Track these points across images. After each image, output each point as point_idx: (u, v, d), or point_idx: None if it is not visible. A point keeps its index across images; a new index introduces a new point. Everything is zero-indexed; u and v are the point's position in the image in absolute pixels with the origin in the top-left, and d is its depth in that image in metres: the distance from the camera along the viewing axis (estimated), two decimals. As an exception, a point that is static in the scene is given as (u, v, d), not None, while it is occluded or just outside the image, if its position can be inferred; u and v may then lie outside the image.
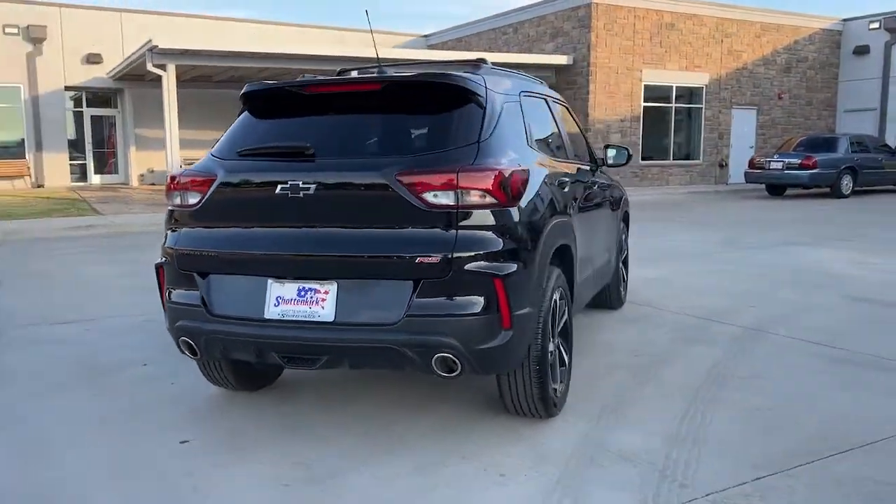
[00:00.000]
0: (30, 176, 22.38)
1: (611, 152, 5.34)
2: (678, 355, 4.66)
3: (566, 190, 3.95)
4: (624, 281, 6.17)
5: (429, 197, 2.99)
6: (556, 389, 3.53)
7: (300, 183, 3.09)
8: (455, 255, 2.97)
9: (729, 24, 22.66)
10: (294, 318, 3.10)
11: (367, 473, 3.02)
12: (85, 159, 23.91)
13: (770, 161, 18.53)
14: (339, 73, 4.26)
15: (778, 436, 3.35)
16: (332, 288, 3.09)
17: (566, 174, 4.11)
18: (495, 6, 54.86)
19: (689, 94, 22.61)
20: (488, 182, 3.03)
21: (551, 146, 4.21)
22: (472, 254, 2.99)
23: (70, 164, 23.24)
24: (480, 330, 3.01)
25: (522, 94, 3.94)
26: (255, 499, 2.82)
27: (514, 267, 3.07)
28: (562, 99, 5.00)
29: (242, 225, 3.28)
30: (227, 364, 3.74)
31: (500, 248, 3.05)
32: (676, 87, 22.18)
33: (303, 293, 3.12)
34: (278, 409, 3.78)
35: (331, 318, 3.06)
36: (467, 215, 3.02)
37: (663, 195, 19.19)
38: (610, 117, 20.99)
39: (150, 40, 15.72)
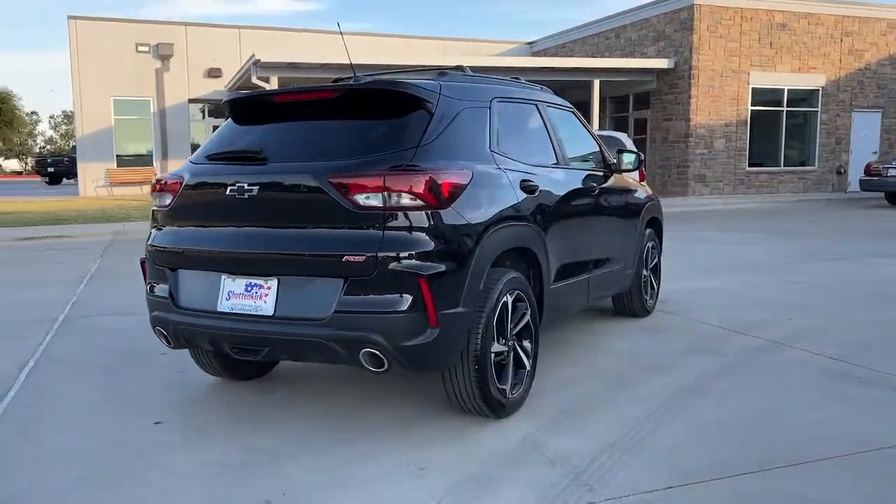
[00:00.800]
0: (156, 182, 24.27)
1: (625, 157, 5.27)
2: (675, 366, 4.54)
3: (541, 194, 3.98)
4: (653, 289, 6.04)
5: (358, 199, 3.14)
6: (504, 390, 3.57)
7: (245, 185, 3.32)
8: (381, 254, 3.10)
9: (850, 21, 21.28)
10: (241, 312, 3.34)
11: (302, 462, 3.20)
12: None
13: (889, 168, 17.23)
14: (335, 82, 4.48)
15: (722, 449, 3.25)
16: (273, 284, 3.30)
17: (546, 179, 4.13)
18: (615, 7, 53.95)
19: (802, 97, 21.38)
20: (416, 185, 3.15)
21: (532, 151, 4.24)
22: (398, 254, 3.11)
23: (192, 172, 24.97)
24: (405, 327, 3.12)
25: (496, 100, 4.00)
26: (185, 480, 3.06)
27: (441, 267, 3.16)
28: (563, 104, 5.01)
29: (202, 224, 3.56)
30: (215, 355, 4.03)
31: (427, 248, 3.15)
32: (788, 89, 21.04)
33: (249, 288, 3.35)
34: (257, 399, 4.04)
35: (270, 313, 3.27)
36: (395, 217, 3.14)
37: (767, 203, 18.28)
38: (713, 122, 20.21)
39: (253, 55, 16.73)
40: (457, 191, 3.29)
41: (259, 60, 16.68)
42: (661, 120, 21.15)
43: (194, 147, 25.05)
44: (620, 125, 23.38)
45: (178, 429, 3.63)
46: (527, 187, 3.88)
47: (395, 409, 3.82)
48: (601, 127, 22.16)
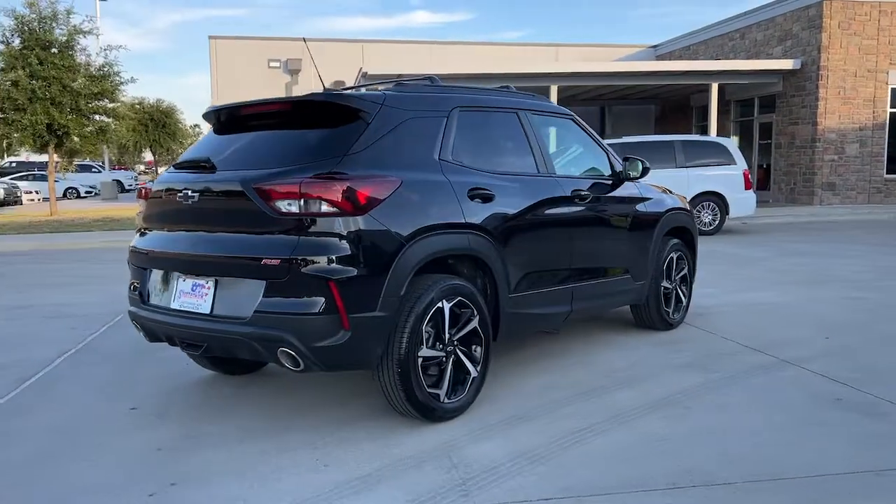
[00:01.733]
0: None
1: (630, 166, 5.13)
2: (654, 380, 4.38)
3: (499, 202, 3.99)
4: (679, 302, 5.80)
5: (278, 205, 3.32)
6: (436, 395, 3.62)
7: (190, 192, 3.60)
8: (295, 258, 3.26)
9: None
10: (187, 310, 3.61)
11: (228, 450, 3.42)
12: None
13: None
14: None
15: (639, 465, 3.14)
16: (211, 284, 3.55)
17: (512, 187, 4.13)
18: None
19: (953, 96, 19.35)
20: (332, 192, 3.29)
21: (500, 159, 4.26)
22: (311, 258, 3.26)
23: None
24: (318, 329, 3.27)
25: (458, 109, 4.06)
26: (119, 459, 3.36)
27: (353, 272, 3.28)
28: (559, 112, 4.96)
29: (162, 227, 3.88)
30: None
31: (340, 253, 3.28)
32: (936, 89, 19.11)
33: (194, 288, 3.62)
34: (232, 391, 4.33)
35: (207, 311, 3.53)
36: (312, 223, 3.30)
37: (902, 214, 16.67)
38: (845, 125, 18.75)
39: (360, 68, 17.43)
40: (375, 199, 3.39)
41: (367, 73, 17.37)
42: (787, 124, 19.86)
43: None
44: (745, 130, 22.20)
45: (146, 414, 3.97)
46: (479, 195, 3.91)
47: (344, 408, 3.97)
48: (723, 132, 21.13)
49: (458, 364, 3.77)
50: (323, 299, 3.27)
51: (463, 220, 3.78)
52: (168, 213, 3.85)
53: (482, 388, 3.95)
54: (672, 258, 5.68)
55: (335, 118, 3.65)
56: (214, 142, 4.02)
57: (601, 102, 26.21)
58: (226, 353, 3.64)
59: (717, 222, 13.40)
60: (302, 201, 3.29)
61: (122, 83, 19.24)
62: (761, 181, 20.94)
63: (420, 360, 3.54)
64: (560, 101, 23.86)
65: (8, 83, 17.69)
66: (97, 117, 19.63)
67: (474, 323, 3.83)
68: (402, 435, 3.55)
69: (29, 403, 4.20)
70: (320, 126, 3.66)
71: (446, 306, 3.66)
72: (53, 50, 18.34)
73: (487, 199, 3.96)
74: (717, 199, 13.31)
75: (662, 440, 3.42)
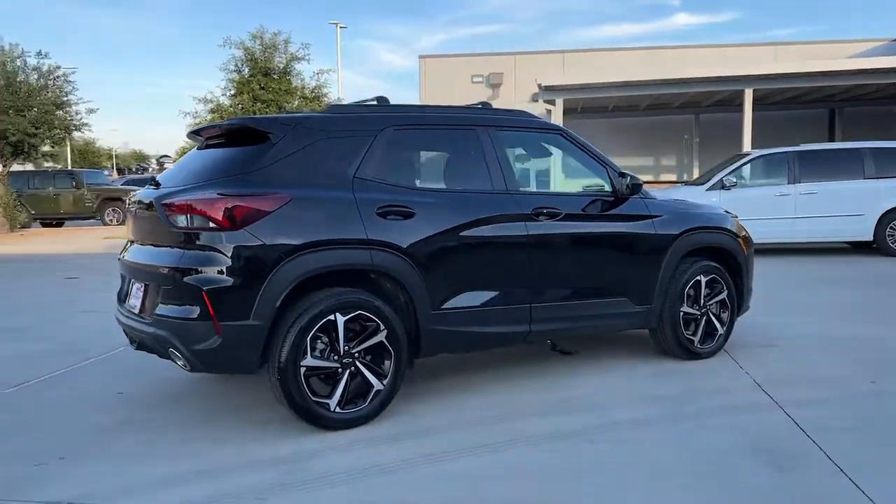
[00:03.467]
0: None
1: (623, 181, 4.82)
2: (600, 410, 4.08)
3: (421, 220, 4.02)
4: (715, 330, 5.25)
5: (175, 220, 3.69)
6: (325, 405, 3.75)
7: (136, 207, 4.13)
8: (179, 267, 3.63)
9: None
10: (131, 310, 4.14)
11: (137, 437, 3.86)
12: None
13: None
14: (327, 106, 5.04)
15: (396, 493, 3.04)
16: (143, 288, 4.03)
17: (443, 205, 4.15)
18: None
19: None
20: (212, 209, 3.60)
21: (440, 177, 4.30)
22: (192, 268, 3.61)
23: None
24: (194, 333, 3.60)
25: (392, 128, 4.16)
26: (61, 435, 3.95)
27: (226, 282, 3.57)
28: (539, 126, 4.81)
29: (130, 237, 4.43)
30: None
31: (214, 265, 3.58)
32: None
33: (137, 291, 4.13)
34: (208, 389, 4.79)
35: (137, 311, 4.02)
36: (197, 236, 3.64)
37: None
38: None
39: (536, 79, 17.53)
40: (254, 215, 3.64)
41: (542, 85, 17.43)
42: None
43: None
44: None
45: (116, 397, 4.56)
46: (395, 212, 3.97)
47: (255, 412, 4.19)
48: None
49: (359, 376, 3.87)
50: (199, 307, 3.59)
51: (364, 237, 3.87)
52: (130, 225, 4.42)
53: (401, 404, 3.99)
54: (700, 281, 5.17)
55: (250, 140, 3.96)
56: (185, 160, 4.52)
57: (830, 104, 23.59)
58: (148, 350, 4.09)
59: (910, 245, 11.50)
60: (189, 216, 3.65)
61: (331, 104, 21.17)
62: None
63: (303, 369, 3.71)
64: (775, 105, 21.87)
65: (239, 106, 20.38)
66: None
67: (380, 337, 3.90)
68: (270, 444, 3.68)
69: (46, 393, 5.00)
70: (239, 147, 4.00)
71: (341, 319, 3.78)
72: (273, 76, 20.79)
73: (406, 215, 4.01)
74: (912, 217, 11.44)
75: (462, 477, 3.24)
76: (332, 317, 3.76)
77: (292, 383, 3.67)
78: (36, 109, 19.72)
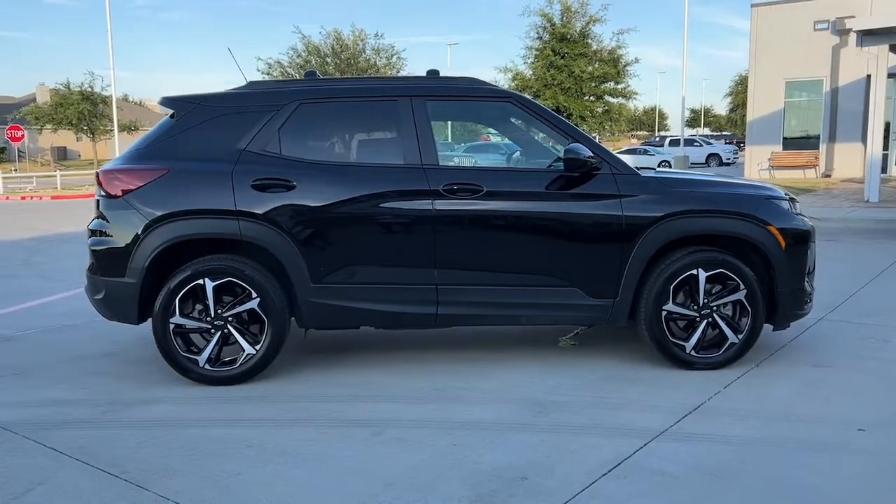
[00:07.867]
0: (818, 166, 23.07)
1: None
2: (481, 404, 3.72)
3: (299, 192, 4.07)
4: (726, 339, 4.26)
5: (99, 189, 4.31)
6: (195, 360, 4.08)
7: None
8: (90, 228, 4.27)
9: None
10: None
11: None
12: (888, 149, 22.74)
13: None
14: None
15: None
16: None
17: (326, 178, 4.13)
18: None
19: None
20: (105, 181, 4.16)
21: (339, 150, 4.26)
22: (93, 230, 4.23)
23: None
24: (90, 286, 4.28)
25: (297, 103, 4.23)
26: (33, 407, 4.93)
27: (105, 244, 4.13)
28: (487, 94, 4.38)
29: None
30: None
31: (102, 228, 4.16)
32: None
33: None
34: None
35: None
36: (97, 203, 4.25)
37: None
38: None
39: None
40: (132, 186, 4.08)
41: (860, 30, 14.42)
42: None
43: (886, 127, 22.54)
44: None
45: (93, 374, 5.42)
46: (272, 185, 4.06)
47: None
48: None
49: (229, 338, 4.11)
50: (93, 263, 4.21)
51: (233, 208, 4.05)
52: None
53: (280, 370, 4.15)
54: (698, 275, 4.19)
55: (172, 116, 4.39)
56: None
57: None
58: None
59: None
60: (97, 186, 4.26)
61: (626, 65, 20.43)
62: None
63: (172, 326, 4.08)
64: None
65: (532, 75, 20.85)
66: (608, 98, 21.30)
67: (251, 304, 4.08)
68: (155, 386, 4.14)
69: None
70: (161, 123, 4.45)
71: (210, 284, 4.05)
72: (570, 40, 20.70)
73: (288, 188, 4.07)
74: None
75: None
76: (200, 281, 4.05)
77: (162, 337, 4.08)
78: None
